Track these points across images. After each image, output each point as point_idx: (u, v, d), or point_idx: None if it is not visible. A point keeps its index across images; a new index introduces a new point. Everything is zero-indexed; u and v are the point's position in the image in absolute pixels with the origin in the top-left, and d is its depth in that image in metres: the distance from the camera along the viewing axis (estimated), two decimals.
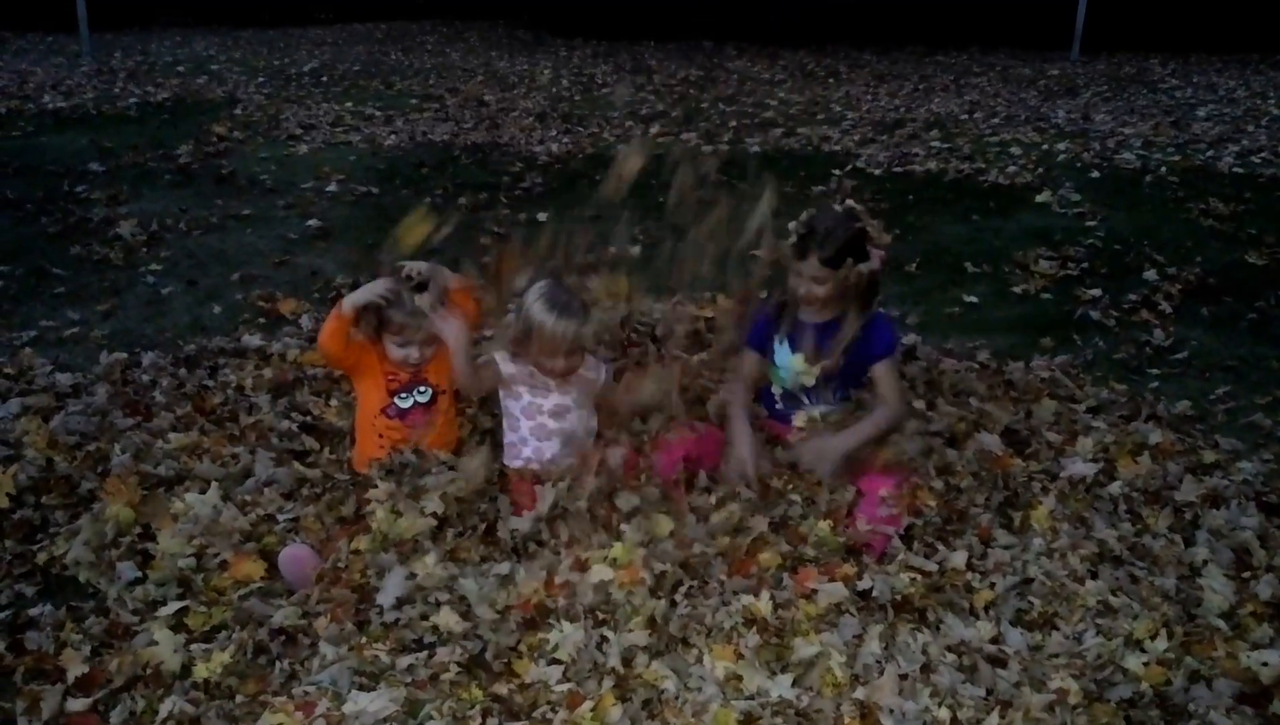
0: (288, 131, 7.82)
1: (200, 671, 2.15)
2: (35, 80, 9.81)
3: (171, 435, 3.04)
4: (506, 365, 2.84)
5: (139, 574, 2.48)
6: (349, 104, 8.99)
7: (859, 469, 2.77)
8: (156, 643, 2.22)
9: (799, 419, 3.01)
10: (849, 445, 2.79)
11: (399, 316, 2.81)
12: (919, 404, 3.13)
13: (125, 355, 3.73)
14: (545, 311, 2.72)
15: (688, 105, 9.25)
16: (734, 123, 8.38)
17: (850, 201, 2.97)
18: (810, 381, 2.98)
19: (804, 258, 2.85)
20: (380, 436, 2.87)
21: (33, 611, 2.39)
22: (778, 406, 3.07)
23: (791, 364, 2.98)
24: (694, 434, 2.86)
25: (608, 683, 2.10)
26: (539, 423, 2.85)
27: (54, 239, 5.18)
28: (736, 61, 12.18)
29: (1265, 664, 2.18)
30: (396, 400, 2.89)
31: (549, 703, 2.06)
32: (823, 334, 2.94)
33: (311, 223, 5.54)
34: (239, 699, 2.10)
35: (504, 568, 2.40)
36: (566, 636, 2.20)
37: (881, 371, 2.92)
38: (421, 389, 2.91)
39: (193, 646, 2.24)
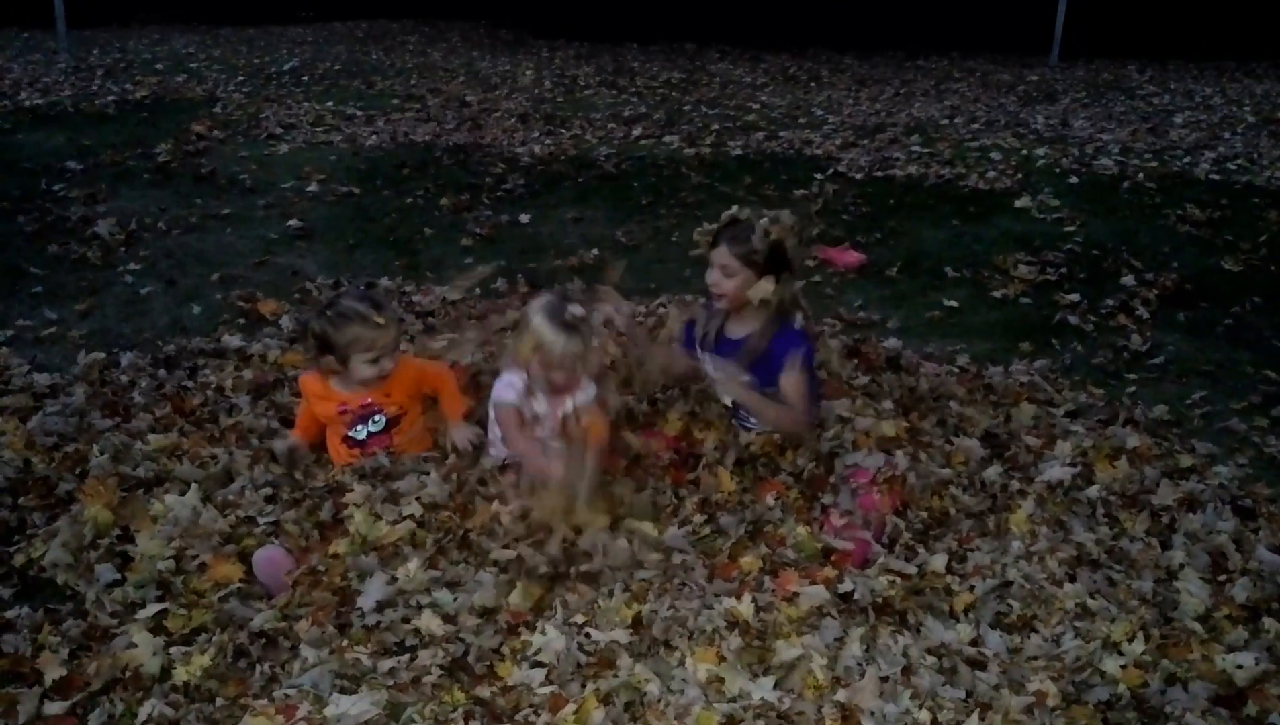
0: (268, 131, 7.77)
1: (180, 674, 2.14)
2: (12, 77, 9.70)
3: (151, 436, 3.02)
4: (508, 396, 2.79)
5: (118, 576, 2.46)
6: (330, 103, 8.94)
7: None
8: (135, 645, 2.21)
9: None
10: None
11: (368, 334, 2.78)
12: (898, 416, 3.15)
13: (104, 355, 3.70)
14: (553, 332, 2.63)
15: (670, 108, 9.26)
16: (716, 126, 8.39)
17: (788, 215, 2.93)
18: (728, 401, 3.00)
19: (715, 246, 2.92)
20: (348, 463, 2.86)
21: (10, 614, 2.37)
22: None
23: (714, 374, 2.99)
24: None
25: (590, 685, 2.10)
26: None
27: (31, 238, 5.13)
28: (719, 64, 12.20)
29: (1240, 666, 2.20)
30: (351, 433, 2.89)
31: (531, 705, 2.06)
32: (735, 347, 2.95)
33: (292, 223, 5.50)
34: (219, 702, 2.09)
35: (485, 578, 2.39)
36: (549, 639, 2.20)
37: (783, 380, 2.86)
38: (375, 418, 2.90)
39: (172, 649, 2.22)
